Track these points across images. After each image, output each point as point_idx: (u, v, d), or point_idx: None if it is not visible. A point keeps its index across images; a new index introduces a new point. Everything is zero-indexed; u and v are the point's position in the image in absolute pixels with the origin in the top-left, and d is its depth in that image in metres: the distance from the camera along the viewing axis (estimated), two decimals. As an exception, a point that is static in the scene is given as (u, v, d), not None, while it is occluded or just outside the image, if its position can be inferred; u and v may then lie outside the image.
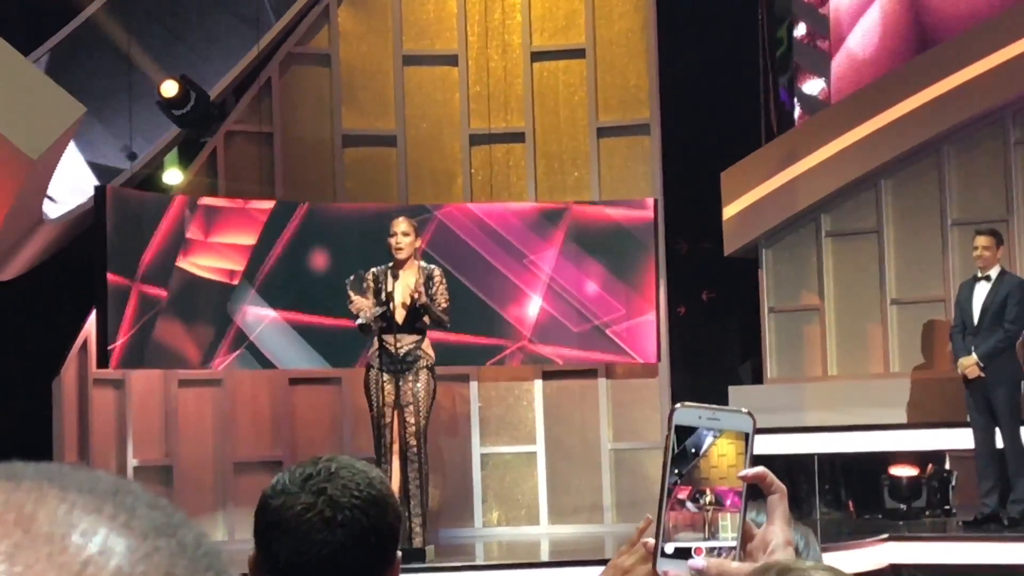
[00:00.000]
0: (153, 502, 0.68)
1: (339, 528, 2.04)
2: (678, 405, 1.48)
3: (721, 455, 1.46)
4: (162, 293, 9.35)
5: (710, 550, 1.45)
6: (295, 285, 9.78)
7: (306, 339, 9.76)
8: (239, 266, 9.68)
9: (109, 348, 9.00)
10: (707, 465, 1.46)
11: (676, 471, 1.46)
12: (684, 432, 1.47)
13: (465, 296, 9.61)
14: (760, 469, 1.46)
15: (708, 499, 1.45)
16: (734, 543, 1.45)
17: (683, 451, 1.46)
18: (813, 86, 12.54)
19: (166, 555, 0.65)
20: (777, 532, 1.45)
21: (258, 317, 9.69)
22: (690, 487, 1.46)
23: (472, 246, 10.04)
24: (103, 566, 0.63)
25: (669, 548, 1.45)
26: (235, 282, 9.67)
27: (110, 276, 9.04)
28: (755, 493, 1.50)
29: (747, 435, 1.47)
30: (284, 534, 2.04)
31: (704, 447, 1.46)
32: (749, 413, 1.48)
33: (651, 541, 1.48)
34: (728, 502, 1.46)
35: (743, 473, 1.46)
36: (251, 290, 9.68)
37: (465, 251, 10.01)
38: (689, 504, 1.45)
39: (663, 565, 1.46)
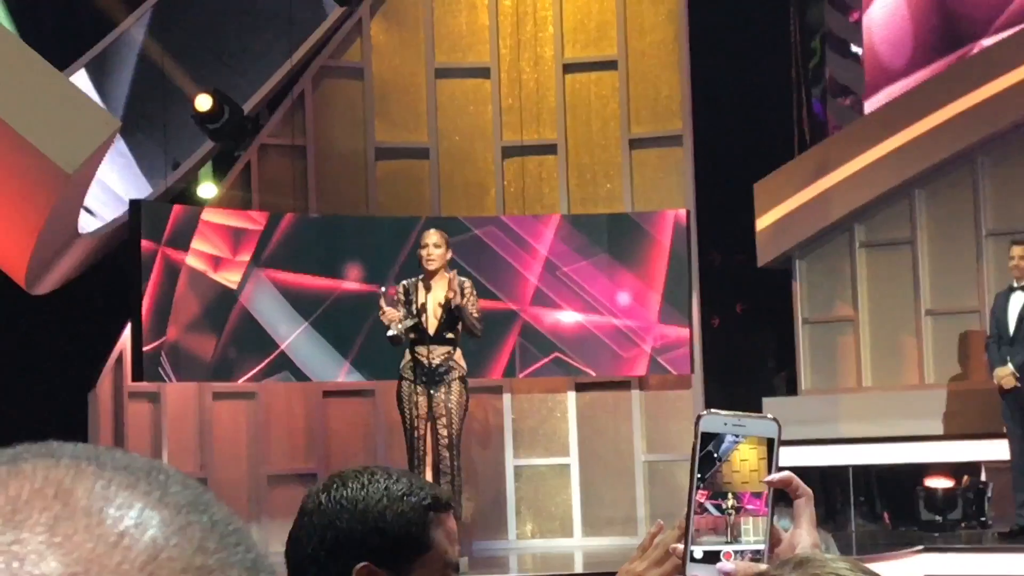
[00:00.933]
0: (185, 481, 0.71)
1: None
2: (704, 412, 1.49)
3: (743, 460, 1.47)
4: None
5: (737, 553, 1.45)
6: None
7: (332, 344, 9.78)
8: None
9: (145, 349, 9.04)
10: (729, 470, 1.47)
11: (700, 476, 1.47)
12: (709, 439, 1.48)
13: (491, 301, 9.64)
14: (786, 474, 1.46)
15: (730, 503, 1.46)
16: (759, 546, 1.46)
17: (707, 457, 1.47)
18: (847, 98, 12.51)
19: (198, 529, 0.68)
20: (804, 535, 1.46)
21: (284, 324, 9.71)
22: (711, 491, 1.46)
23: (502, 255, 10.05)
24: (138, 538, 0.65)
25: (698, 552, 1.46)
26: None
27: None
28: (783, 498, 1.50)
29: (771, 440, 1.48)
30: None
31: (726, 452, 1.47)
32: (774, 419, 1.49)
33: (679, 547, 1.49)
34: (750, 506, 1.46)
35: (769, 478, 1.46)
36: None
37: (497, 260, 10.01)
38: (711, 508, 1.46)
39: (692, 569, 1.46)
